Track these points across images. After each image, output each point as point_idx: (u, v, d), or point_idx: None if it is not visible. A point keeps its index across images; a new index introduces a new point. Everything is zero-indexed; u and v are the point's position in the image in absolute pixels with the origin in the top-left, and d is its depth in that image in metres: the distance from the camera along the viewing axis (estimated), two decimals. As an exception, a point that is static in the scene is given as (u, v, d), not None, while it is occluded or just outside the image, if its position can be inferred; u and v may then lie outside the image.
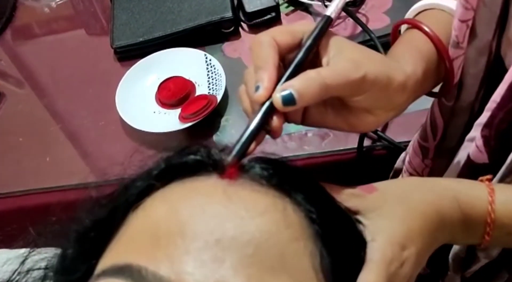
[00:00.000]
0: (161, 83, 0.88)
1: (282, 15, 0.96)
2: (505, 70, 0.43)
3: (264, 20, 0.94)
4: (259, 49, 0.39)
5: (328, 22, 0.42)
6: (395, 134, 0.77)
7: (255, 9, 0.92)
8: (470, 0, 0.44)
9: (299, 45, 0.40)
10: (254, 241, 0.29)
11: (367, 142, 0.78)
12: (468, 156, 0.49)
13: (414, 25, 0.49)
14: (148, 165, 0.36)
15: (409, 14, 0.53)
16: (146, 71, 0.90)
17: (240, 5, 0.95)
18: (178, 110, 0.84)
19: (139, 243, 0.30)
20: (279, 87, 0.37)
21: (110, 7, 1.02)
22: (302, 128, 0.76)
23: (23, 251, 0.38)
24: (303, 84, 0.37)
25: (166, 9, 0.98)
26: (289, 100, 0.37)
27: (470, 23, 0.45)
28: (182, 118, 0.81)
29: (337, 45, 0.40)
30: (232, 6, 0.94)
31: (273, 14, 0.93)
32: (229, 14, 0.93)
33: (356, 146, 0.77)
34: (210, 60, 0.88)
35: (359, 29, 0.87)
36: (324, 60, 0.40)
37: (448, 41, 0.47)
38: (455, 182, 0.43)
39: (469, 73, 0.48)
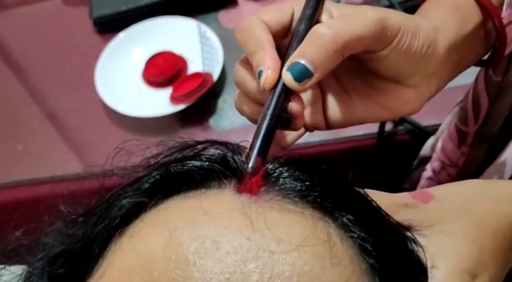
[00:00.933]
0: (148, 60, 0.85)
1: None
2: None
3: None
4: (248, 34, 0.35)
5: None
6: (420, 116, 0.73)
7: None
8: None
9: (291, 24, 0.36)
10: None
11: (388, 126, 0.74)
12: None
13: None
14: (136, 169, 0.32)
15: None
16: (130, 45, 0.87)
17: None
18: (168, 91, 0.81)
19: None
20: (286, 65, 0.33)
21: (88, -28, 0.98)
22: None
23: None
24: (313, 48, 0.33)
25: (152, -28, 0.94)
26: (303, 73, 0.32)
27: None
28: (173, 99, 0.78)
29: (341, 7, 0.37)
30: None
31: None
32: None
33: (376, 130, 0.73)
34: (204, 31, 0.84)
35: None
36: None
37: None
38: None
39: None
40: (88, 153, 0.80)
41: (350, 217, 0.28)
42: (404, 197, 0.33)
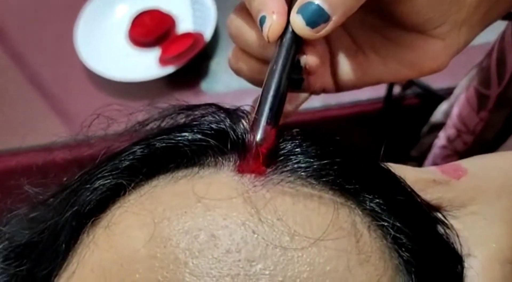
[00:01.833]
0: (133, 18, 0.82)
1: None
2: None
3: None
4: None
5: None
6: (431, 79, 0.70)
7: None
8: None
9: None
10: None
11: (395, 89, 0.71)
12: None
13: None
14: (118, 138, 0.28)
15: None
16: (113, 1, 0.84)
17: None
18: (156, 52, 0.78)
19: None
20: (295, 7, 0.29)
21: None
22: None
23: None
24: None
25: None
26: (317, 15, 0.28)
27: None
28: (162, 61, 0.75)
29: None
30: None
31: None
32: None
33: (382, 94, 0.70)
34: (194, -14, 0.82)
35: None
36: None
37: None
38: None
39: None
40: (70, 122, 0.77)
41: (380, 201, 0.24)
42: (432, 172, 0.30)
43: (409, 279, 0.24)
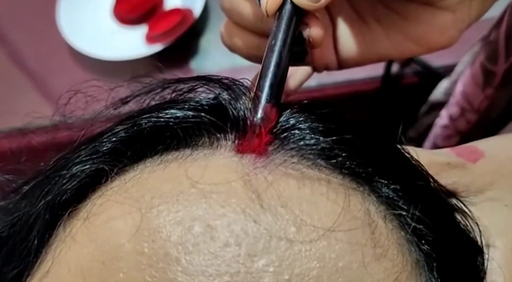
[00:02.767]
0: None
1: None
2: None
3: None
4: None
5: None
6: (430, 56, 0.69)
7: None
8: None
9: None
10: None
11: (394, 67, 0.70)
12: None
13: None
14: (99, 118, 0.26)
15: None
16: None
17: None
18: (143, 29, 0.76)
19: None
20: None
21: None
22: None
23: None
24: None
25: None
26: None
27: None
28: (149, 39, 0.74)
29: None
30: None
31: None
32: None
33: (380, 73, 0.69)
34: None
35: None
36: None
37: None
38: None
39: None
40: (53, 104, 0.74)
41: (397, 186, 0.22)
42: (446, 154, 0.28)
43: (431, 275, 0.22)
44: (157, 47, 0.72)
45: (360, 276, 0.19)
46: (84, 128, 0.26)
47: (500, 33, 0.48)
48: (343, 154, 0.22)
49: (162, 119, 0.23)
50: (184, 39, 0.73)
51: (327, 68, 0.34)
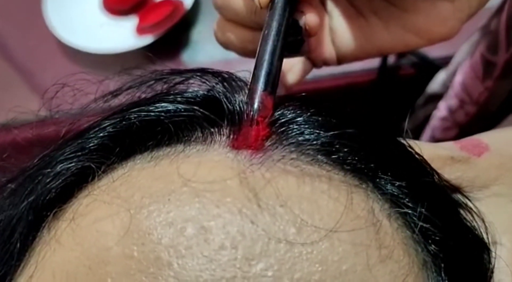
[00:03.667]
0: None
1: None
2: None
3: None
4: None
5: None
6: (427, 47, 0.67)
7: None
8: None
9: None
10: None
11: (390, 59, 0.70)
12: None
13: None
14: (85, 113, 0.25)
15: None
16: None
17: None
18: (133, 21, 0.75)
19: None
20: None
21: None
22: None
23: None
24: None
25: None
26: None
27: None
28: (139, 31, 0.73)
29: None
30: None
31: None
32: None
33: (376, 64, 0.68)
34: None
35: None
36: None
37: None
38: None
39: None
40: (40, 98, 0.74)
41: (402, 183, 0.21)
42: (449, 147, 0.28)
43: (438, 277, 0.21)
44: (148, 39, 0.72)
45: (365, 279, 0.18)
46: (71, 124, 0.25)
47: (500, 23, 0.48)
48: (345, 149, 0.21)
49: (152, 113, 0.22)
50: (175, 31, 0.72)
51: (326, 63, 0.34)
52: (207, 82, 0.23)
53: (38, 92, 0.75)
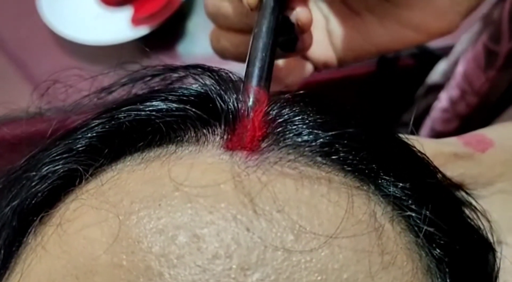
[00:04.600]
0: None
1: None
2: None
3: None
4: None
5: None
6: None
7: None
8: None
9: None
10: None
11: None
12: None
13: None
14: (77, 109, 0.25)
15: None
16: None
17: None
18: (128, 12, 0.74)
19: None
20: None
21: None
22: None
23: None
24: None
25: None
26: None
27: None
28: (134, 22, 0.72)
29: None
30: None
31: None
32: None
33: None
34: None
35: None
36: None
37: None
38: None
39: None
40: (32, 93, 0.73)
41: (404, 185, 0.20)
42: (452, 143, 0.28)
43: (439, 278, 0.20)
44: (143, 31, 0.71)
45: None
46: (61, 121, 0.24)
47: (504, 12, 0.47)
48: (345, 149, 0.20)
49: (143, 113, 0.21)
50: (171, 23, 0.71)
51: (326, 66, 0.34)
52: (200, 80, 0.22)
53: (31, 84, 0.74)
